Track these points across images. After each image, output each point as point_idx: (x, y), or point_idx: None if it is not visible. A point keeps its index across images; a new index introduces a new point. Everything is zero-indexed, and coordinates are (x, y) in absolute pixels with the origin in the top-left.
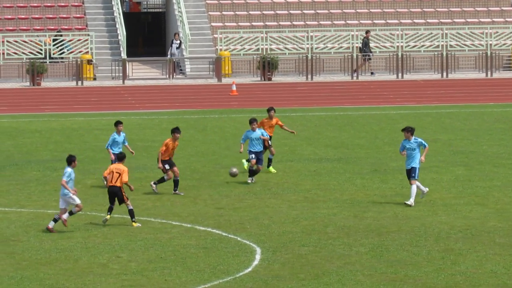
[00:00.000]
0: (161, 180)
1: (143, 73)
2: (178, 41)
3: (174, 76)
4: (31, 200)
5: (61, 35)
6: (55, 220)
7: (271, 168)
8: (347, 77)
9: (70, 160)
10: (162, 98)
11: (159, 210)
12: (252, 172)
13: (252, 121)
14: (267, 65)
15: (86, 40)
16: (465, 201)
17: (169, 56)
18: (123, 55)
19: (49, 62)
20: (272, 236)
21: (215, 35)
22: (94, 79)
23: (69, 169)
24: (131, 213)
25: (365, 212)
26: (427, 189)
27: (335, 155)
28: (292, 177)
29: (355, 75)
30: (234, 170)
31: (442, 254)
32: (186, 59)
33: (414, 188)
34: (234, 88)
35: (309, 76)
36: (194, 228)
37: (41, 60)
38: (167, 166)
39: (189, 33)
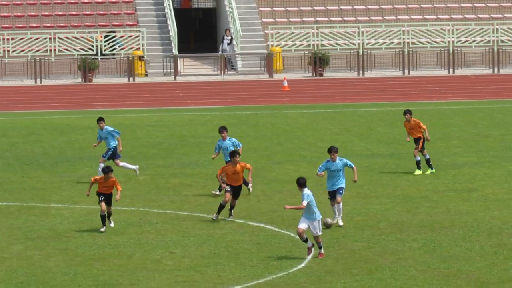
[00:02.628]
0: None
1: (195, 69)
2: (229, 37)
3: (226, 72)
4: (84, 196)
5: (113, 31)
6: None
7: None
8: (398, 72)
9: (303, 183)
10: (214, 94)
11: (212, 206)
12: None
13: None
14: (318, 61)
15: (137, 36)
16: None
17: (220, 52)
18: (175, 51)
19: (101, 58)
20: (325, 231)
21: (266, 31)
22: (146, 75)
23: (307, 191)
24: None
25: (418, 207)
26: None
27: (387, 150)
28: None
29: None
30: (329, 220)
31: (495, 249)
32: (237, 55)
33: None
34: (285, 84)
35: (361, 72)
36: (247, 224)
37: (93, 57)
38: (228, 188)
39: (240, 29)
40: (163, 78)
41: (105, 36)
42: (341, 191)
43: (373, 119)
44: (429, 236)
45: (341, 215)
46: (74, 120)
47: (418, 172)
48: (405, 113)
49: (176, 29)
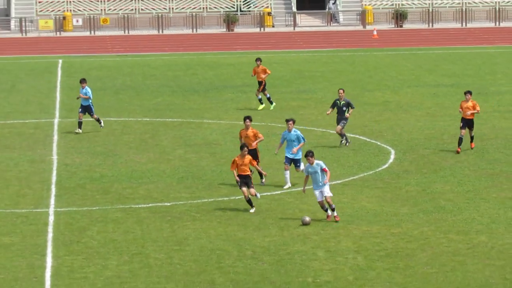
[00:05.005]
0: None
1: (308, 22)
2: None
3: (331, 24)
4: (228, 114)
5: None
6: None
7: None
8: (458, 24)
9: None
10: (322, 40)
11: (321, 123)
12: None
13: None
14: (399, 16)
15: None
16: None
17: (327, 9)
18: (294, 8)
19: (240, 14)
20: (403, 141)
21: None
22: (273, 26)
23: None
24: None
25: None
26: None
27: (450, 82)
28: (418, 98)
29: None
30: (307, 219)
31: None
32: (340, 11)
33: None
34: (375, 33)
35: (430, 24)
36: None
37: (234, 12)
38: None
39: None
40: (285, 28)
41: None
42: (298, 164)
43: (439, 59)
44: (479, 145)
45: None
46: (220, 59)
47: (261, 106)
48: (256, 60)
49: None
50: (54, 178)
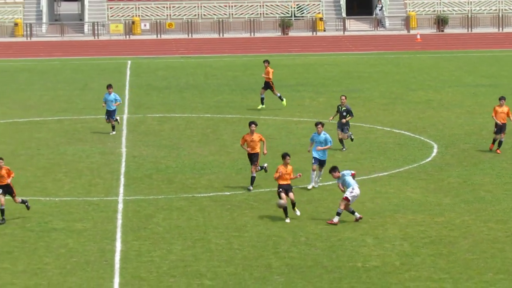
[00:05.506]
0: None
1: (357, 27)
2: (381, 5)
3: (378, 29)
4: (282, 111)
5: (303, 2)
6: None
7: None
8: (495, 29)
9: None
10: (370, 44)
11: (367, 119)
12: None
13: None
14: (441, 21)
15: (319, 4)
16: None
17: (374, 15)
18: (343, 14)
19: (294, 19)
20: (445, 136)
21: (405, 1)
22: (324, 30)
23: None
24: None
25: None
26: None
27: (488, 82)
28: (458, 97)
29: None
30: (282, 202)
31: None
32: (386, 17)
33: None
34: (418, 37)
35: (469, 29)
36: (392, 131)
37: (289, 18)
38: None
39: None
40: (335, 33)
41: (297, 5)
42: (324, 164)
43: (478, 61)
44: None
45: (315, 183)
46: (276, 60)
47: (260, 106)
48: (264, 61)
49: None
50: (123, 169)
